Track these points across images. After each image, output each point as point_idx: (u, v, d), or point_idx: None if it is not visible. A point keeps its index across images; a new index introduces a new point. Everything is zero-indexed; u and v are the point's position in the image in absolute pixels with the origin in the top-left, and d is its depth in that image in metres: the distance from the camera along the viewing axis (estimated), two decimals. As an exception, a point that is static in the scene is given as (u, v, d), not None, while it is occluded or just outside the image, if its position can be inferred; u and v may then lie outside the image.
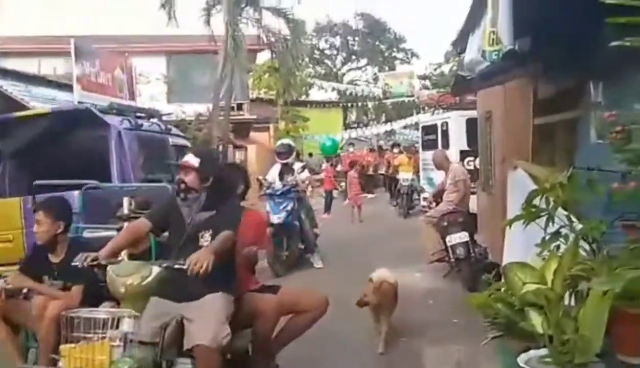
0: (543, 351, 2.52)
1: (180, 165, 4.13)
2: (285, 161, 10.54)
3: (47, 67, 18.29)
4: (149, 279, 3.77)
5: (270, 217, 9.91)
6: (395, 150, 23.36)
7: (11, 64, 14.24)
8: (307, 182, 11.07)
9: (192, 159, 4.04)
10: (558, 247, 3.02)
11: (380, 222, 16.87)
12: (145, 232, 4.12)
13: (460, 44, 7.93)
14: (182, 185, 3.96)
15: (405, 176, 18.49)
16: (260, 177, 11.35)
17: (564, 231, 3.01)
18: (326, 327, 5.24)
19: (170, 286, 3.77)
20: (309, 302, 4.58)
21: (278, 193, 10.14)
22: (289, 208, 10.04)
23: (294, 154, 10.98)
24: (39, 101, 11.51)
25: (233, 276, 4.04)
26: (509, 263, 2.92)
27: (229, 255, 3.87)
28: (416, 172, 18.69)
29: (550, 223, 3.04)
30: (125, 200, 5.52)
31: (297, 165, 10.88)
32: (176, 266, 3.66)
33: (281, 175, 10.43)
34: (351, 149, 25.69)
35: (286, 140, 11.94)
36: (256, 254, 4.86)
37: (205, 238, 3.86)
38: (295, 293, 4.75)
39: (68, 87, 11.80)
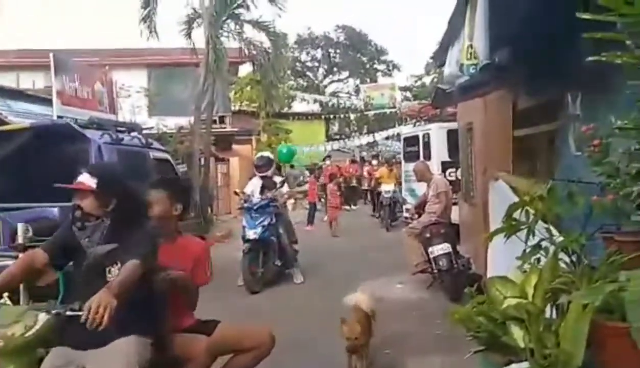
0: (525, 365, 2.52)
1: (75, 188, 3.46)
2: (264, 174, 10.40)
3: (26, 81, 18.17)
4: (34, 330, 3.07)
5: (246, 231, 9.74)
6: (375, 161, 23.39)
7: (-10, 78, 14.10)
8: (286, 195, 10.85)
9: (87, 180, 3.42)
10: (538, 260, 3.03)
11: (363, 235, 16.85)
12: (42, 264, 3.41)
13: (439, 57, 8.00)
14: (78, 212, 3.35)
15: (386, 188, 18.55)
16: (238, 190, 11.21)
17: (544, 244, 3.03)
18: (306, 344, 5.22)
19: (71, 331, 3.14)
20: (251, 340, 3.96)
21: (255, 207, 9.91)
22: (265, 222, 9.77)
23: (273, 166, 10.80)
24: (18, 116, 11.41)
25: (149, 314, 3.44)
26: (491, 277, 2.93)
27: (143, 289, 3.26)
28: (398, 183, 18.70)
29: (531, 236, 3.06)
30: (20, 227, 4.88)
31: (278, 179, 10.71)
32: (68, 313, 3.04)
33: (263, 189, 10.23)
34: (328, 162, 25.27)
35: (265, 153, 11.69)
36: (194, 287, 4.04)
37: (113, 273, 3.27)
38: (235, 331, 4.15)
39: (47, 102, 11.71)
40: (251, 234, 9.67)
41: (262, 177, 10.37)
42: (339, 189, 19.18)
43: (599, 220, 3.06)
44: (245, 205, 10.06)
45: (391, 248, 11.99)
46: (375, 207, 21.24)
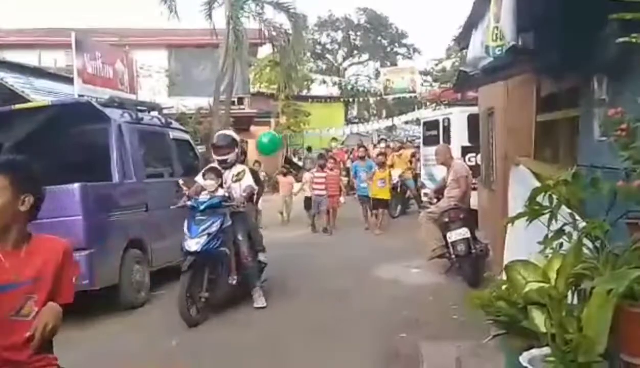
0: (546, 350, 2.49)
1: None
2: (224, 157, 7.76)
3: (48, 59, 18.29)
4: None
5: (187, 242, 7.15)
6: (382, 145, 22.13)
7: (12, 56, 14.22)
8: (245, 194, 7.67)
9: None
10: (561, 244, 2.99)
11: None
12: None
13: (463, 39, 7.89)
14: None
15: (392, 173, 16.31)
16: (181, 181, 8.05)
17: (567, 229, 2.99)
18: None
19: None
20: None
21: (201, 207, 7.31)
22: (213, 229, 7.20)
23: (237, 149, 7.96)
24: (40, 94, 11.50)
25: None
26: (512, 261, 2.90)
27: None
28: (409, 169, 17.68)
29: (553, 221, 3.02)
30: None
31: (236, 169, 7.91)
32: None
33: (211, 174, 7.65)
34: (334, 144, 23.80)
35: (228, 131, 8.77)
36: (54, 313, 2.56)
37: None
38: None
39: (68, 80, 11.79)
40: (192, 245, 7.08)
41: (219, 162, 7.78)
42: (342, 175, 17.57)
43: (624, 207, 3.01)
44: (188, 204, 7.40)
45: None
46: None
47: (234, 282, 7.57)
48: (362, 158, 16.26)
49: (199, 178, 7.69)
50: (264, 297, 7.70)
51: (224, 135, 8.20)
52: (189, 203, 7.35)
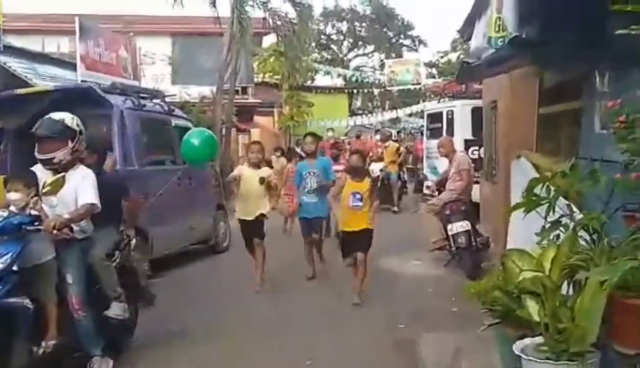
0: (539, 339, 2.51)
1: None
2: (48, 155, 4.96)
3: (52, 45, 18.28)
4: None
5: None
6: (377, 137, 20.57)
7: (16, 41, 14.20)
8: (78, 213, 4.83)
9: None
10: (558, 236, 3.00)
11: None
12: None
13: (466, 30, 7.88)
14: None
15: (375, 166, 15.57)
16: None
17: (564, 220, 2.99)
18: None
19: None
20: None
21: None
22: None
23: (74, 143, 5.03)
24: (43, 79, 11.49)
25: None
26: (508, 250, 2.91)
27: None
28: (394, 162, 16.42)
29: (551, 213, 3.02)
30: None
31: (74, 175, 5.02)
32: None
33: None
34: (330, 134, 21.01)
35: (59, 114, 5.11)
36: None
37: None
38: None
39: (72, 66, 11.79)
40: None
41: (42, 162, 5.03)
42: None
43: (621, 199, 3.01)
44: None
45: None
46: None
47: (45, 350, 4.72)
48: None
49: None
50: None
51: (49, 120, 5.05)
52: None
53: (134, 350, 5.67)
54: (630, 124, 2.84)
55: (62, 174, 4.93)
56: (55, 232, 4.56)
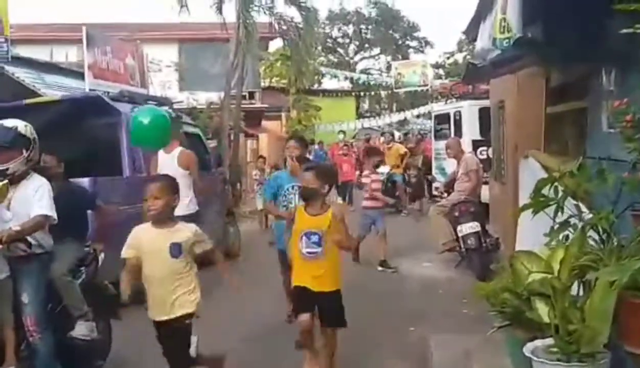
0: (549, 341, 2.50)
1: None
2: (1, 167, 4.50)
3: (60, 54, 18.38)
4: None
5: None
6: (382, 139, 20.24)
7: (24, 51, 14.31)
8: (27, 226, 4.36)
9: None
10: (567, 237, 2.99)
11: None
12: None
13: (472, 31, 7.86)
14: None
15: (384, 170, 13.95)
16: None
17: (573, 221, 2.98)
18: None
19: None
20: None
21: None
22: None
23: (28, 152, 4.65)
24: (51, 88, 11.56)
25: None
26: (516, 252, 2.90)
27: None
28: (398, 166, 15.84)
29: (560, 213, 3.01)
30: None
31: (27, 185, 4.61)
32: None
33: None
34: (341, 137, 21.30)
35: (11, 121, 4.76)
36: None
37: None
38: None
39: (80, 75, 11.84)
40: None
41: None
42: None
43: (630, 198, 3.00)
44: None
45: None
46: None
47: None
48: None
49: None
50: None
51: (1, 128, 4.63)
52: None
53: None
54: (636, 123, 2.83)
55: (4, 181, 4.44)
56: (1, 246, 4.18)
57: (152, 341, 4.19)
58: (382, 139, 20.65)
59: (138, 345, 5.44)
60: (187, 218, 5.44)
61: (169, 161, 7.32)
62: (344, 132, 23.08)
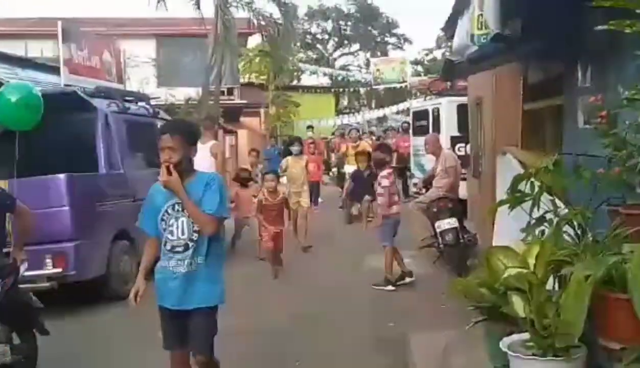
0: (525, 335, 2.52)
1: None
2: None
3: (35, 49, 18.13)
4: None
5: None
6: (354, 134, 17.09)
7: (-2, 46, 14.08)
8: None
9: None
10: (543, 232, 3.01)
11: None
12: None
13: (449, 28, 7.90)
14: None
15: (350, 169, 14.09)
16: None
17: (549, 216, 3.01)
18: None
19: None
20: None
21: None
22: None
23: None
24: (26, 84, 11.39)
25: None
26: (492, 247, 2.92)
27: None
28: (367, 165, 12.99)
29: (536, 209, 3.03)
30: None
31: None
32: None
33: None
34: (310, 133, 19.95)
35: None
36: None
37: None
38: None
39: (55, 70, 11.70)
40: None
41: None
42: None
43: (605, 193, 3.03)
44: None
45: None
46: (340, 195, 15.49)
47: None
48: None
49: None
50: None
51: None
52: None
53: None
54: (611, 119, 2.86)
55: None
56: None
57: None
58: (350, 134, 17.59)
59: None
60: None
61: (203, 152, 7.81)
62: (312, 128, 21.76)
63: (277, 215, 8.77)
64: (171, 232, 3.72)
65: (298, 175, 10.99)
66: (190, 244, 3.69)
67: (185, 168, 3.74)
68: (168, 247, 3.73)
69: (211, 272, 3.76)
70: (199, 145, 7.52)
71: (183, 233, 3.69)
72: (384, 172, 8.11)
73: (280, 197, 8.84)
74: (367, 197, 10.83)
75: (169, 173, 3.65)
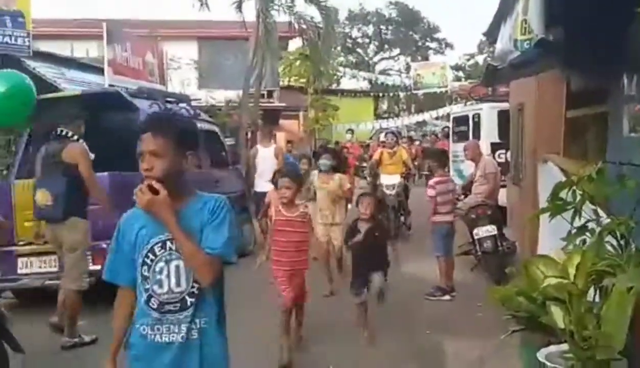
0: (564, 346, 2.47)
1: None
2: None
3: (80, 50, 18.54)
4: None
5: None
6: (389, 138, 13.14)
7: (45, 46, 14.44)
8: None
9: None
10: (584, 241, 2.95)
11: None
12: None
13: (492, 33, 7.80)
14: None
15: (388, 181, 11.90)
16: None
17: (590, 225, 2.94)
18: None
19: None
20: None
21: None
22: None
23: None
24: (72, 84, 11.66)
25: None
26: (531, 256, 2.87)
27: None
28: (407, 174, 12.83)
29: (578, 218, 2.97)
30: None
31: None
32: None
33: None
34: (349, 137, 19.03)
35: None
36: None
37: None
38: None
39: (100, 70, 11.94)
40: None
41: None
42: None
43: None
44: None
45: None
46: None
47: None
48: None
49: None
50: None
51: None
52: None
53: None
54: (658, 128, 2.79)
55: None
56: None
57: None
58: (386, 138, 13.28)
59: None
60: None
61: (268, 154, 9.61)
62: (352, 131, 21.11)
63: (298, 240, 5.70)
64: (159, 283, 2.53)
65: (327, 201, 7.92)
66: (190, 300, 2.53)
67: (176, 185, 2.59)
68: (153, 305, 2.54)
69: (219, 342, 2.63)
70: (262, 148, 8.00)
71: (178, 285, 2.53)
72: (431, 181, 7.94)
73: (300, 212, 5.74)
74: (376, 277, 6.21)
75: (153, 191, 2.49)
